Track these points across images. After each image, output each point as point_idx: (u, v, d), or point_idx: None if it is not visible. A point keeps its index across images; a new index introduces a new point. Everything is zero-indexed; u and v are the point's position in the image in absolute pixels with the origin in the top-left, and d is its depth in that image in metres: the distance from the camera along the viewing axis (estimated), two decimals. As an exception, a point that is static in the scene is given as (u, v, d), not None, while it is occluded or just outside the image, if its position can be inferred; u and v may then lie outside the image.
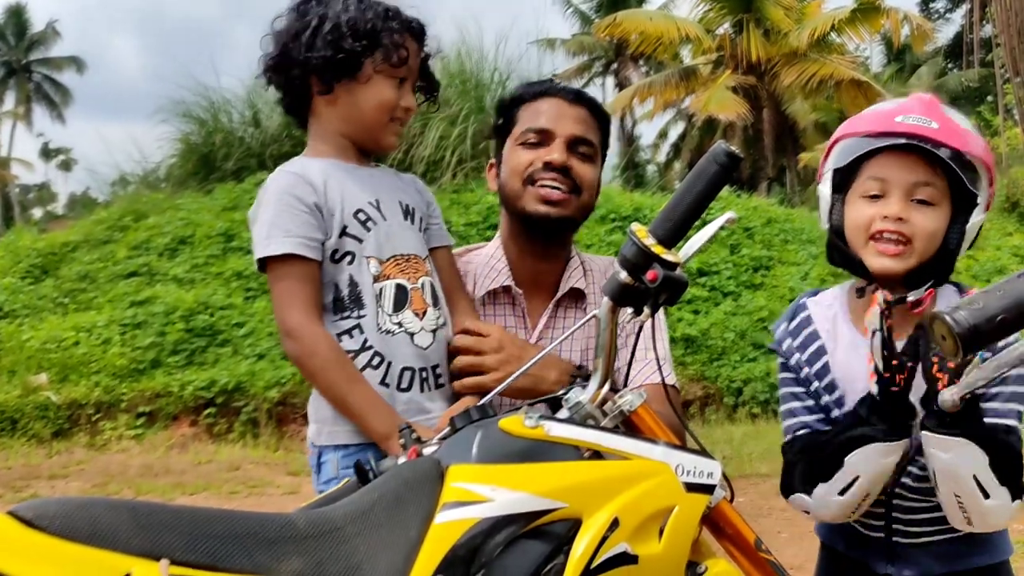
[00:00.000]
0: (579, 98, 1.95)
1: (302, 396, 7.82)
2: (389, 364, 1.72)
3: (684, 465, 1.31)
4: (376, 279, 1.74)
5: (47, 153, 57.66)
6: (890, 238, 1.55)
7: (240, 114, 12.66)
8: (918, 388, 1.47)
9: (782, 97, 22.85)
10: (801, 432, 1.67)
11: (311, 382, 1.72)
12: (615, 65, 34.62)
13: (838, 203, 1.63)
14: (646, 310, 1.37)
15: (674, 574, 1.28)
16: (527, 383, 1.69)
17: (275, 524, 1.14)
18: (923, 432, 1.45)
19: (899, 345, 1.48)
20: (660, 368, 1.73)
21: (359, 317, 1.72)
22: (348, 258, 1.73)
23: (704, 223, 1.50)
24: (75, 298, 9.90)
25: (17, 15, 48.04)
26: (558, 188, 1.88)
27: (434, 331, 1.79)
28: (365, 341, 1.71)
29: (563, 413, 1.35)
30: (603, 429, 1.33)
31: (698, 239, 1.50)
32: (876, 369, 1.47)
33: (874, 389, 1.48)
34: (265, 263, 1.70)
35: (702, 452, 1.37)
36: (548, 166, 1.88)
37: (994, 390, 1.54)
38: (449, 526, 1.15)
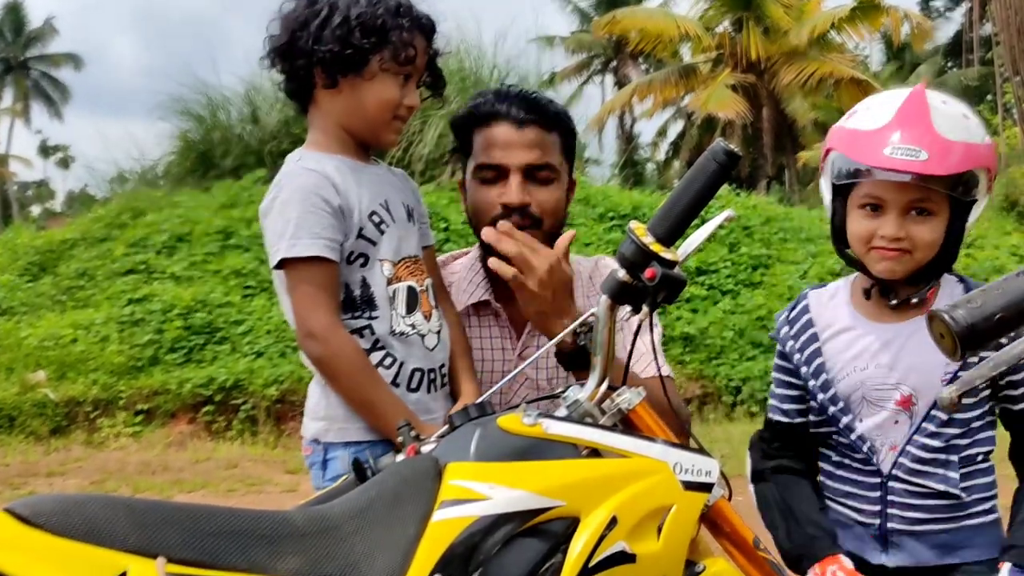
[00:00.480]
0: (529, 113, 1.87)
1: (300, 393, 7.80)
2: (401, 365, 1.73)
3: (682, 464, 1.31)
4: (389, 281, 1.74)
5: (45, 150, 57.63)
6: (890, 248, 1.57)
7: (239, 111, 12.67)
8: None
9: (781, 95, 22.84)
10: (774, 418, 1.78)
11: (332, 384, 1.71)
12: (614, 63, 34.63)
13: (839, 209, 1.65)
14: (644, 308, 1.37)
15: (672, 572, 1.28)
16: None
17: (273, 521, 1.14)
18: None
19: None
20: (656, 360, 1.73)
21: (371, 318, 1.72)
22: (361, 260, 1.73)
23: (703, 221, 1.50)
24: (73, 295, 9.89)
25: (15, 11, 48.00)
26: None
27: (438, 332, 1.80)
28: (376, 342, 1.72)
29: (561, 411, 1.35)
30: (601, 427, 1.33)
31: (697, 237, 1.50)
32: None
33: None
34: (283, 261, 1.68)
35: (700, 451, 1.37)
36: (507, 209, 1.84)
37: None
38: (447, 524, 1.15)
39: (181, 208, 10.74)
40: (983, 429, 1.65)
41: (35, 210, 49.79)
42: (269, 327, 8.73)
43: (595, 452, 1.30)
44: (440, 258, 2.01)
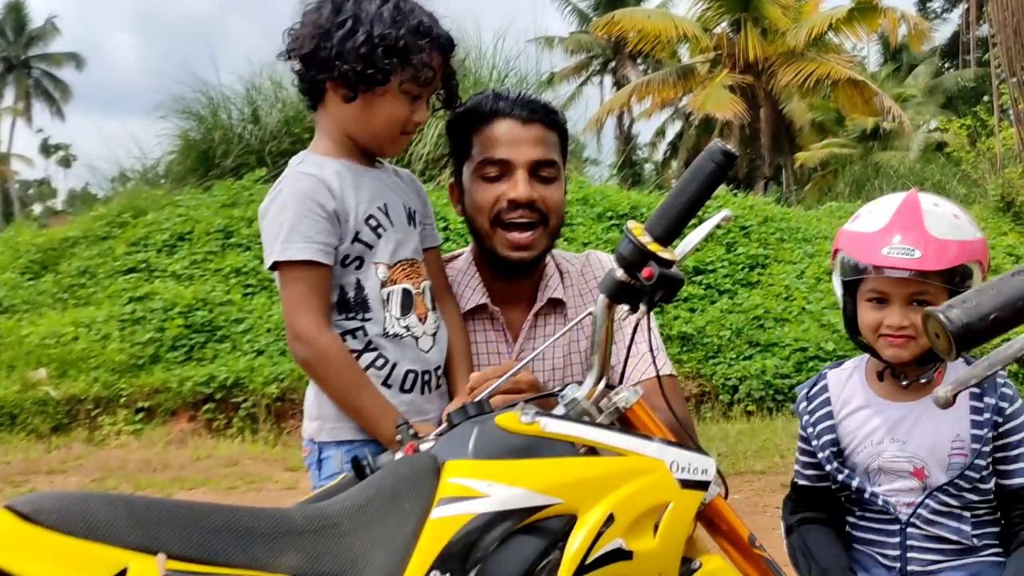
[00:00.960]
0: (532, 113, 1.88)
1: (301, 392, 7.80)
2: (394, 366, 1.74)
3: (679, 462, 1.32)
4: (384, 284, 1.75)
5: (47, 149, 57.55)
6: (896, 336, 1.72)
7: (239, 111, 12.68)
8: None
9: (779, 96, 22.81)
10: (798, 482, 1.93)
11: (320, 386, 1.73)
12: (613, 63, 34.59)
13: (850, 302, 1.80)
14: (642, 307, 1.37)
15: (668, 570, 1.29)
16: None
17: (272, 519, 1.14)
18: None
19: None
20: (655, 359, 1.73)
21: (364, 320, 1.73)
22: (356, 263, 1.74)
23: (700, 221, 1.50)
24: (74, 294, 9.90)
25: (16, 10, 47.93)
26: (528, 227, 1.85)
27: (434, 334, 1.81)
28: (369, 343, 1.73)
29: (559, 409, 1.36)
30: (599, 425, 1.34)
31: (694, 237, 1.51)
32: None
33: None
34: (276, 263, 1.70)
35: (697, 449, 1.38)
36: (513, 203, 1.84)
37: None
38: (445, 521, 1.15)
39: (182, 207, 10.75)
40: (992, 491, 1.77)
41: (37, 208, 49.71)
42: (269, 325, 8.74)
43: (592, 450, 1.31)
44: None
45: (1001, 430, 1.73)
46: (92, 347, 8.66)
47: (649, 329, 1.52)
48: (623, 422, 1.39)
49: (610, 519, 1.21)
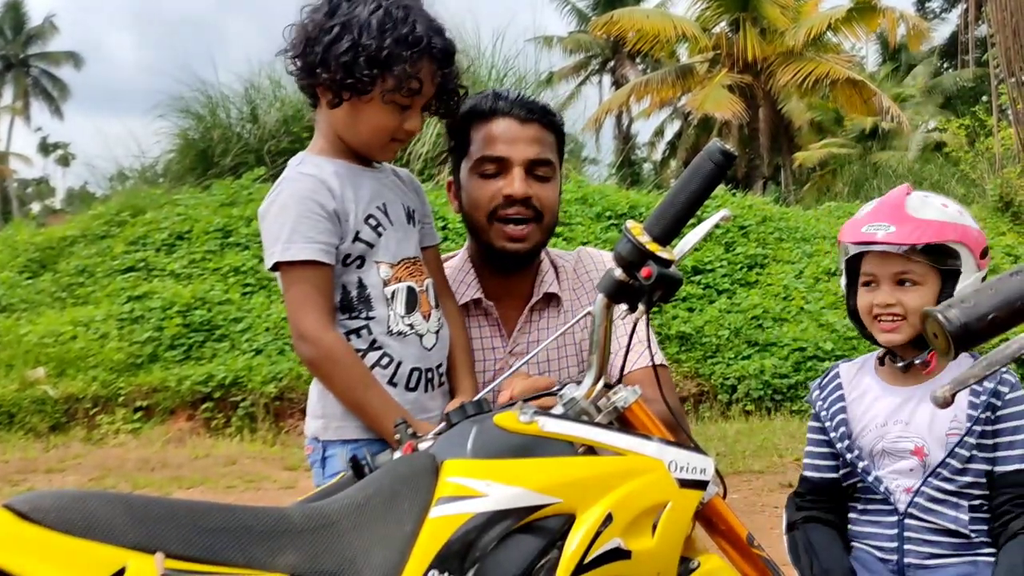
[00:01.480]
0: (530, 113, 1.91)
1: (299, 391, 7.82)
2: (399, 364, 1.74)
3: (678, 461, 1.32)
4: (387, 282, 1.75)
5: (45, 148, 57.55)
6: (887, 319, 1.81)
7: (238, 110, 12.70)
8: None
9: (778, 96, 22.83)
10: (808, 474, 1.96)
11: (326, 385, 1.73)
12: (612, 63, 34.61)
13: (851, 293, 1.90)
14: (640, 307, 1.37)
15: (667, 569, 1.29)
16: None
17: (271, 518, 1.14)
18: None
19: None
20: (649, 347, 1.73)
21: (368, 319, 1.74)
22: (357, 262, 1.75)
23: (699, 221, 1.50)
24: (73, 292, 9.90)
25: (15, 9, 47.92)
26: (523, 222, 1.88)
27: (437, 332, 1.81)
28: (374, 341, 1.73)
29: (558, 409, 1.36)
30: (597, 425, 1.34)
31: (693, 236, 1.51)
32: None
33: None
34: (278, 264, 1.71)
35: (695, 448, 1.38)
36: (509, 199, 1.87)
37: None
38: (444, 520, 1.16)
39: (180, 206, 10.75)
40: (984, 475, 1.79)
41: (35, 207, 49.65)
42: (268, 324, 8.72)
43: (591, 450, 1.31)
44: None
45: (998, 414, 1.77)
46: (90, 346, 8.66)
47: (648, 324, 1.52)
48: (622, 421, 1.39)
49: (609, 518, 1.22)
